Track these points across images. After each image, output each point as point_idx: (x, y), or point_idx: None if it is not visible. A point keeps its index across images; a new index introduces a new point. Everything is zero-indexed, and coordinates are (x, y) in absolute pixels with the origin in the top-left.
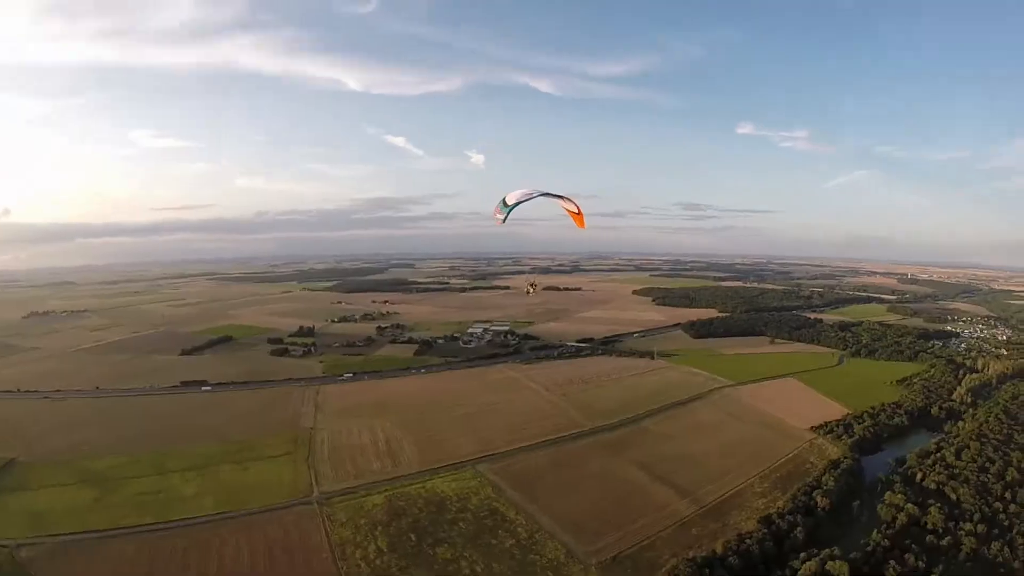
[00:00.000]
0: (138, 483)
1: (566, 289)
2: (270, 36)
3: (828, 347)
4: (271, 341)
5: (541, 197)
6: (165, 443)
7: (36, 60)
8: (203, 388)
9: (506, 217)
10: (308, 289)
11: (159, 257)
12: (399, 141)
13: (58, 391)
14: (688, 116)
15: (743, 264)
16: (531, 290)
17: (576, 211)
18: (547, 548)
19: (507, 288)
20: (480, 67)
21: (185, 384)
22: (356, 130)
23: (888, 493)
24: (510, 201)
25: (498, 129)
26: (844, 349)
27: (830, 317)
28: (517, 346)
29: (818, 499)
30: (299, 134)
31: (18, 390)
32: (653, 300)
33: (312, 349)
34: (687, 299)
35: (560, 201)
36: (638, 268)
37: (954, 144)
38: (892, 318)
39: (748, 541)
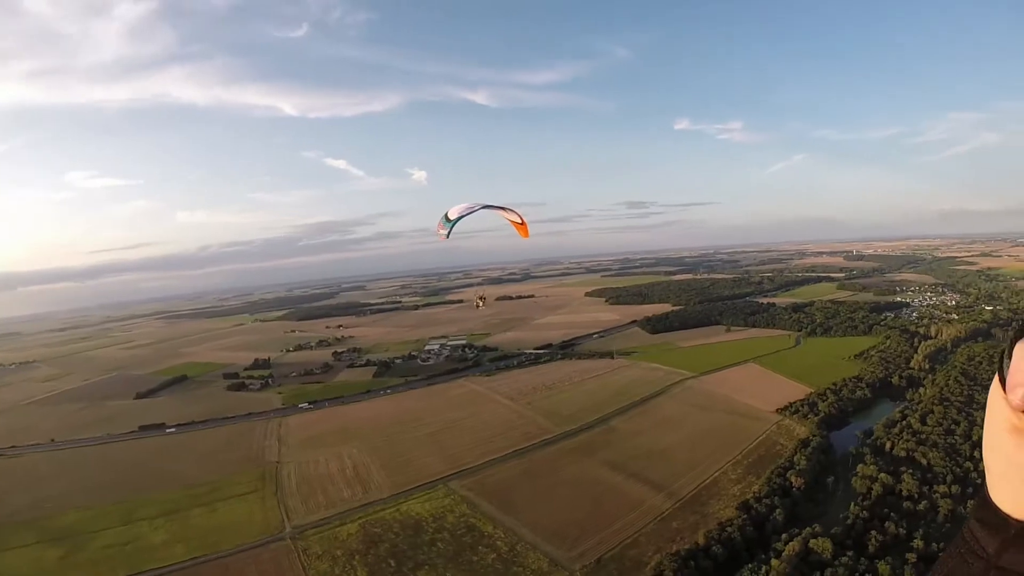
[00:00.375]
0: (105, 536)
1: (519, 297)
2: (201, 67)
3: (784, 330)
4: (227, 376)
5: (484, 210)
6: (129, 492)
7: None
8: (167, 430)
9: (449, 232)
10: (260, 320)
11: (105, 299)
12: (339, 164)
13: (12, 447)
14: (624, 117)
15: (690, 256)
16: (480, 303)
17: (520, 221)
18: (530, 559)
19: (460, 302)
20: (416, 84)
21: (143, 428)
22: (295, 156)
23: (860, 465)
24: (452, 215)
25: (438, 144)
26: (799, 330)
27: (782, 300)
28: (476, 359)
29: (792, 479)
30: (238, 164)
31: None
32: (606, 300)
33: (269, 381)
34: (640, 296)
35: (503, 212)
36: (588, 270)
37: (887, 122)
38: (843, 295)
39: (729, 529)
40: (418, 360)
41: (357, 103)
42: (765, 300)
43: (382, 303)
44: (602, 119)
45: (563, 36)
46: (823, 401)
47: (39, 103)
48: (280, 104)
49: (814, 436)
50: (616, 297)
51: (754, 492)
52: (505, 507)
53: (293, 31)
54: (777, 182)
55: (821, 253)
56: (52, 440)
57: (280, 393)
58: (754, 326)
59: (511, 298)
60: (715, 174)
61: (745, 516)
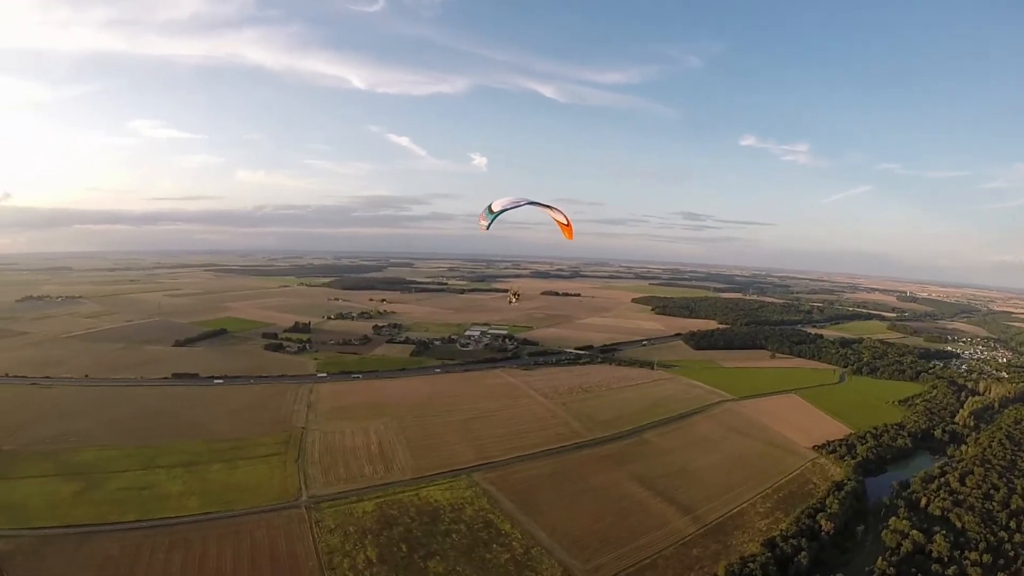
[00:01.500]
0: (123, 477)
1: (566, 295)
2: (276, 31)
3: (829, 364)
4: (266, 336)
5: (529, 206)
6: (153, 437)
7: (42, 46)
8: (215, 381)
9: (490, 224)
10: (306, 284)
11: (157, 246)
12: (402, 141)
13: (47, 378)
14: (689, 126)
15: (742, 276)
16: (514, 300)
17: (565, 222)
18: (543, 565)
19: (506, 291)
20: (485, 70)
21: (177, 376)
22: (359, 128)
23: (893, 519)
24: (496, 208)
25: (501, 133)
26: (845, 366)
27: (831, 333)
28: (515, 351)
29: (822, 522)
30: (302, 130)
31: (6, 375)
32: (653, 309)
33: (307, 346)
34: (687, 309)
35: (549, 211)
36: (637, 276)
37: (954, 164)
38: (893, 336)
39: (751, 565)
40: (457, 344)
41: (426, 83)
42: (813, 330)
43: (428, 283)
44: (667, 126)
45: (636, 38)
46: (862, 444)
47: (112, 51)
48: (349, 76)
49: (849, 480)
50: (663, 307)
51: (781, 530)
52: (526, 507)
53: (369, 6)
54: (836, 211)
55: (874, 289)
56: (86, 376)
57: (316, 359)
58: (799, 355)
59: (557, 294)
60: (775, 195)
61: (769, 554)
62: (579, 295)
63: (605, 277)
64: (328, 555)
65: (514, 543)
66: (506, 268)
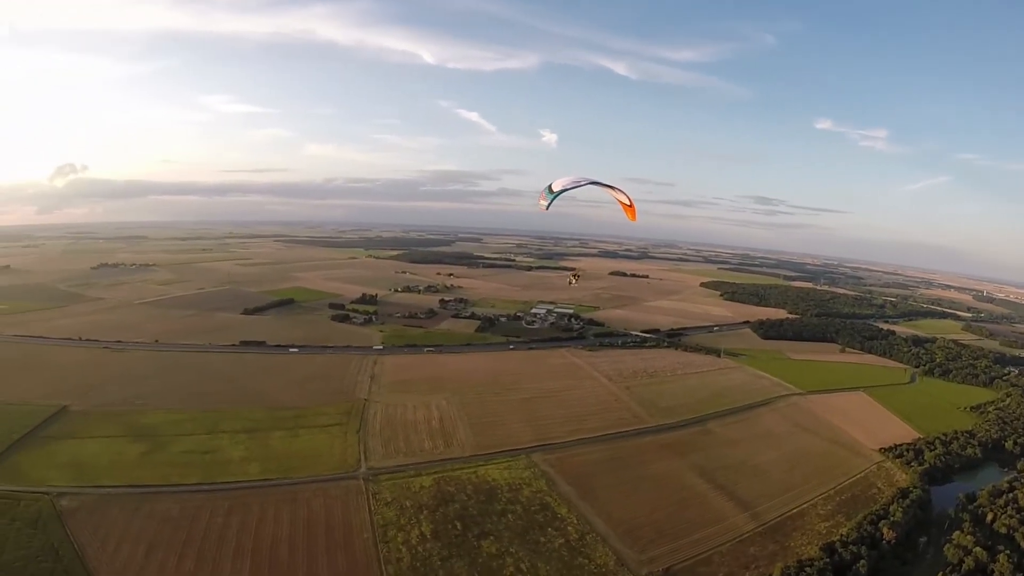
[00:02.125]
0: (187, 441)
1: (633, 275)
2: (347, 7)
3: (900, 362)
4: (333, 307)
5: (591, 185)
6: (219, 403)
7: (115, 26)
8: (282, 349)
9: (550, 204)
10: (374, 256)
11: (228, 217)
12: (472, 116)
13: (118, 342)
14: (763, 107)
15: (813, 264)
16: (573, 281)
17: (628, 203)
18: (597, 552)
19: (573, 270)
20: (555, 46)
21: (244, 343)
22: (429, 103)
23: (956, 532)
24: (556, 187)
25: (571, 109)
26: (916, 366)
27: (903, 330)
28: (581, 331)
29: (884, 530)
30: (371, 104)
31: (79, 338)
32: (721, 294)
33: (373, 318)
34: (756, 296)
35: (611, 191)
36: (706, 260)
37: None
38: (967, 337)
39: (808, 570)
40: (523, 322)
41: (495, 58)
42: (885, 326)
43: (495, 258)
44: (739, 106)
45: (710, 14)
46: (930, 451)
47: (183, 29)
48: (419, 51)
49: (914, 488)
50: (732, 293)
51: (841, 535)
52: (583, 492)
53: None
54: (913, 202)
55: (949, 287)
56: (156, 341)
57: (381, 331)
58: (870, 352)
59: (625, 275)
60: (850, 182)
61: (827, 560)
62: (647, 277)
63: (674, 259)
64: (383, 528)
65: (569, 528)
66: (573, 246)
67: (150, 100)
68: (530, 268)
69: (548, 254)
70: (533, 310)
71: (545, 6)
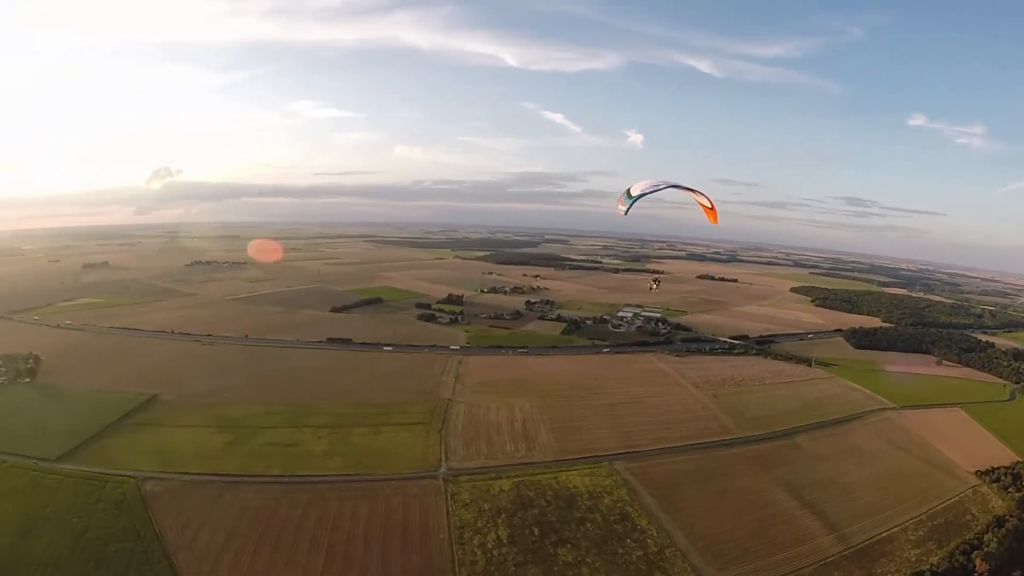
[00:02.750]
0: (271, 433)
1: (722, 279)
2: (429, 13)
3: (999, 377)
4: (419, 306)
5: (671, 188)
6: (303, 397)
7: (208, 38)
8: (353, 346)
9: (628, 209)
10: (460, 257)
11: (318, 218)
12: (556, 117)
13: (209, 336)
14: (852, 103)
15: (908, 269)
16: (654, 286)
17: (709, 206)
18: (675, 567)
19: (661, 272)
20: (638, 45)
21: (331, 340)
22: (513, 105)
23: None
24: (635, 192)
25: (656, 109)
26: (1017, 382)
27: (1002, 341)
28: (668, 336)
29: (977, 561)
30: (456, 107)
31: (171, 332)
32: (812, 300)
33: (459, 318)
34: (848, 303)
35: (692, 194)
36: (796, 263)
37: None
38: None
39: None
40: (609, 325)
41: (578, 59)
42: (984, 338)
43: (582, 260)
44: (828, 103)
45: (796, 8)
46: None
47: (274, 39)
48: (502, 54)
49: (1011, 516)
50: (823, 299)
51: (931, 564)
52: (665, 503)
53: None
54: (1014, 202)
55: None
56: (245, 336)
57: (467, 331)
58: (968, 365)
59: (713, 278)
60: (946, 182)
61: None
62: (736, 281)
63: (763, 263)
64: (459, 529)
65: (648, 540)
66: (660, 249)
67: (243, 106)
68: (616, 270)
69: (635, 256)
70: (619, 313)
71: (626, 5)
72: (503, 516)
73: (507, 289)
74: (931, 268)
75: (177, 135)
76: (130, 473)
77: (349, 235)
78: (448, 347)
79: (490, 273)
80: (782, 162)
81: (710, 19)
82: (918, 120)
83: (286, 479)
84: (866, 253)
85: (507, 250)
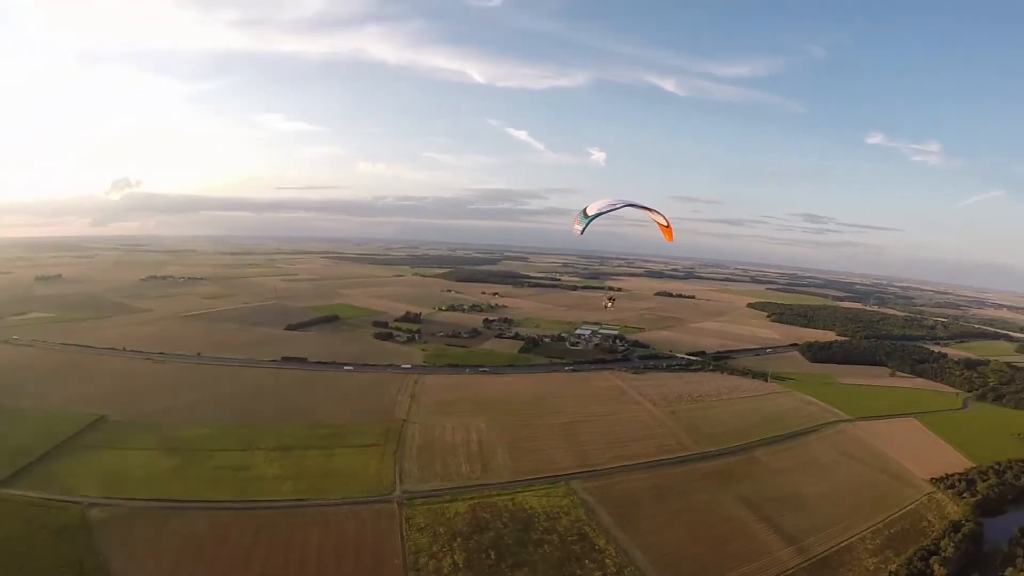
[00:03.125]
0: (222, 456)
1: (679, 296)
2: (397, 27)
3: (952, 386)
4: (376, 324)
5: (626, 208)
6: (256, 419)
7: (174, 45)
8: (341, 367)
9: (584, 228)
10: (420, 275)
11: (279, 233)
12: (521, 134)
13: (161, 353)
14: (813, 122)
15: (862, 284)
16: (609, 304)
17: (665, 224)
18: None
19: (619, 290)
20: (605, 64)
21: (286, 359)
22: (478, 122)
23: (1010, 568)
24: (591, 211)
25: (620, 127)
26: (969, 391)
27: (954, 352)
28: (626, 353)
29: (935, 567)
30: (421, 123)
31: (123, 349)
32: (769, 316)
33: (416, 336)
34: (804, 317)
35: (648, 212)
36: (754, 280)
37: None
38: (1022, 359)
39: None
40: (567, 343)
41: (545, 77)
42: (936, 348)
43: (541, 278)
44: (789, 122)
45: (760, 27)
46: (983, 480)
47: (243, 49)
48: (469, 70)
49: (967, 521)
50: (779, 314)
51: (890, 572)
52: (624, 522)
53: (491, 0)
54: (966, 217)
55: (1002, 306)
56: (198, 354)
57: (424, 350)
58: (921, 375)
59: (671, 295)
60: (901, 199)
61: None
62: (693, 297)
63: (721, 279)
64: (414, 555)
65: (607, 560)
66: (619, 266)
67: (209, 117)
68: (575, 288)
69: (593, 274)
70: (578, 331)
71: (595, 23)
72: (459, 540)
73: (465, 307)
74: (885, 282)
75: (140, 145)
76: (75, 499)
77: (308, 251)
78: (404, 366)
79: (449, 291)
80: (742, 179)
81: (675, 39)
82: (876, 138)
83: (237, 504)
84: (823, 269)
85: (466, 267)
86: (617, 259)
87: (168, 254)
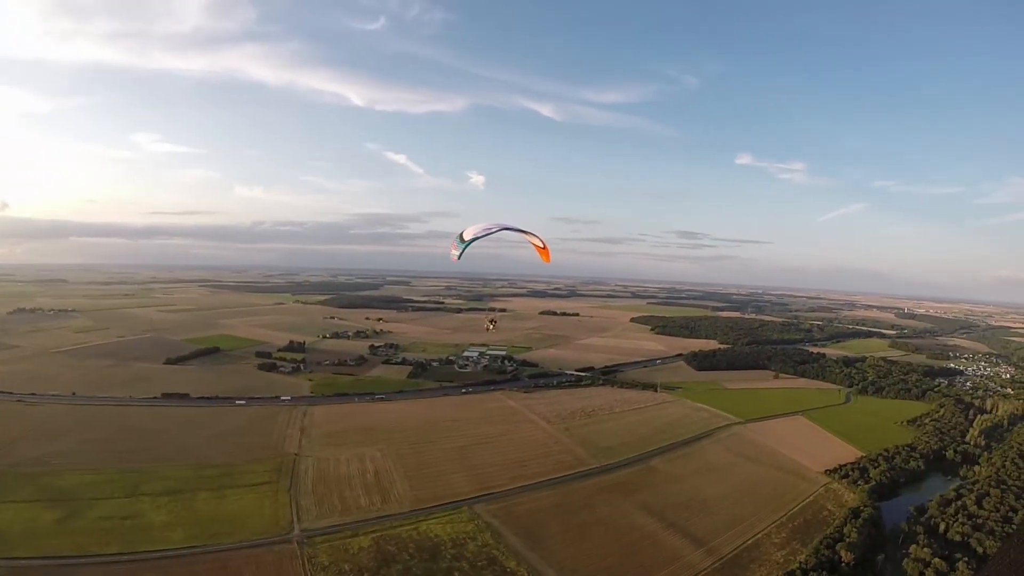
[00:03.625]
0: (106, 505)
1: (564, 314)
2: (277, 47)
3: (833, 383)
4: (260, 354)
5: (504, 231)
6: (140, 461)
7: (42, 56)
8: (191, 401)
9: (461, 254)
10: (301, 302)
11: (154, 261)
12: (400, 158)
13: (33, 395)
14: (686, 145)
15: (739, 294)
16: (491, 327)
17: (541, 246)
18: None
19: (503, 311)
20: (484, 89)
21: (167, 396)
22: (357, 145)
23: (913, 546)
24: (467, 236)
25: (499, 152)
26: (851, 386)
27: (832, 351)
28: (515, 372)
29: (842, 553)
30: (300, 146)
31: None
32: (652, 329)
33: (302, 366)
34: (687, 329)
35: (525, 235)
36: (634, 295)
37: (950, 180)
38: (895, 354)
39: None
40: (455, 366)
41: (424, 101)
42: (815, 350)
43: (425, 301)
44: (664, 145)
45: (635, 58)
46: (874, 468)
47: (114, 64)
48: (348, 93)
49: (865, 506)
50: (663, 327)
51: (800, 562)
52: (531, 542)
53: (370, 23)
54: (832, 229)
55: (871, 307)
56: (73, 394)
57: (311, 380)
58: (803, 375)
59: (555, 314)
60: (771, 214)
61: None
62: (577, 315)
63: (603, 296)
64: None
65: None
66: (502, 287)
67: (75, 137)
68: (459, 310)
69: (477, 295)
70: (465, 353)
71: (474, 50)
72: (366, 575)
73: (350, 334)
74: (760, 291)
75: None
76: None
77: (185, 279)
78: (291, 397)
79: (332, 318)
80: (619, 200)
81: (553, 66)
82: (745, 159)
83: (126, 557)
84: (700, 282)
85: (348, 293)
86: (499, 280)
87: (36, 284)
